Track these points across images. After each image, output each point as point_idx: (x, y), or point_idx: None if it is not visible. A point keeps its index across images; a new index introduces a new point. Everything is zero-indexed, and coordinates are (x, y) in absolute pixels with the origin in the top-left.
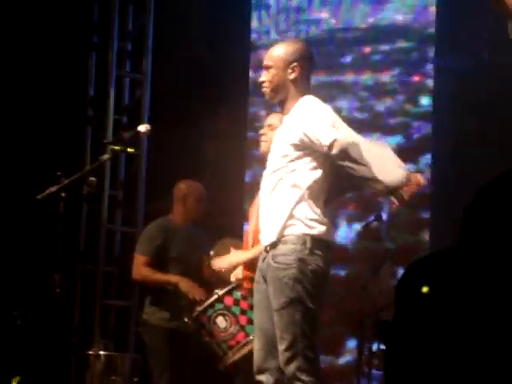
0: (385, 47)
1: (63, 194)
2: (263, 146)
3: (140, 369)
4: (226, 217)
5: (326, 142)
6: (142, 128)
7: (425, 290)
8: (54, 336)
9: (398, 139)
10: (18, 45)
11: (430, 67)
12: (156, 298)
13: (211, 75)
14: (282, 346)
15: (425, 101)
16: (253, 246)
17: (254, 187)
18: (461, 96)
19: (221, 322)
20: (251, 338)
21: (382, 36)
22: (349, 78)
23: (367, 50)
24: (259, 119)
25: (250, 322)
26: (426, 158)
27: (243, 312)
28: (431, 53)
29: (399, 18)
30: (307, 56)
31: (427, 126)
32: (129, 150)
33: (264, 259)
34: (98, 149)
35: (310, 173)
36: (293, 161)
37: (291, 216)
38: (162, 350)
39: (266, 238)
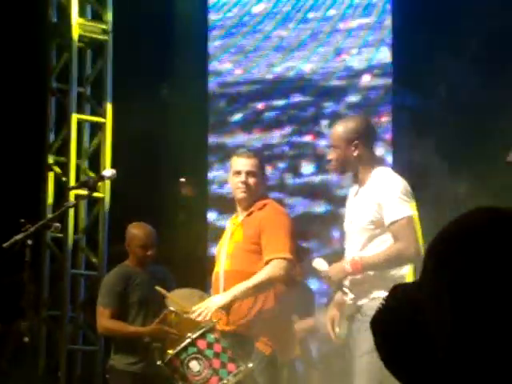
0: (280, 102)
1: (29, 242)
2: (242, 194)
3: None
4: (189, 257)
5: (387, 222)
6: (108, 173)
7: None
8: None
9: None
10: None
11: (325, 124)
12: (122, 343)
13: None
14: None
15: (307, 169)
16: (224, 288)
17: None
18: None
19: (194, 365)
20: (224, 382)
21: (280, 89)
22: (239, 138)
23: (261, 105)
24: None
25: (223, 365)
26: None
27: (216, 355)
28: (328, 108)
29: (307, 67)
30: (367, 131)
31: (302, 202)
32: (95, 194)
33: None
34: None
35: None
36: (375, 237)
37: None
38: None
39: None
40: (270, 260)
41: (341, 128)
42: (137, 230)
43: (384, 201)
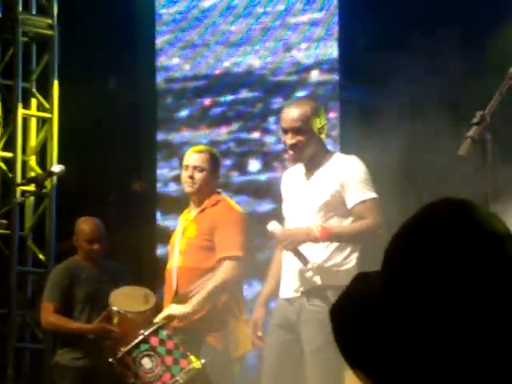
0: (227, 98)
1: None
2: (189, 189)
3: None
4: (138, 256)
5: (354, 201)
6: (56, 168)
7: None
8: None
9: None
10: None
11: (272, 120)
12: (67, 339)
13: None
14: None
15: (254, 166)
16: (178, 285)
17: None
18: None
19: (146, 362)
20: (177, 378)
21: (227, 85)
22: (185, 135)
23: (207, 101)
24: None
25: (176, 362)
26: None
27: (169, 352)
28: (276, 104)
29: (256, 62)
30: (323, 112)
31: (247, 200)
32: (42, 191)
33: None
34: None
35: None
36: (327, 220)
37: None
38: None
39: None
40: (223, 258)
41: (303, 109)
42: (83, 225)
43: (350, 181)
